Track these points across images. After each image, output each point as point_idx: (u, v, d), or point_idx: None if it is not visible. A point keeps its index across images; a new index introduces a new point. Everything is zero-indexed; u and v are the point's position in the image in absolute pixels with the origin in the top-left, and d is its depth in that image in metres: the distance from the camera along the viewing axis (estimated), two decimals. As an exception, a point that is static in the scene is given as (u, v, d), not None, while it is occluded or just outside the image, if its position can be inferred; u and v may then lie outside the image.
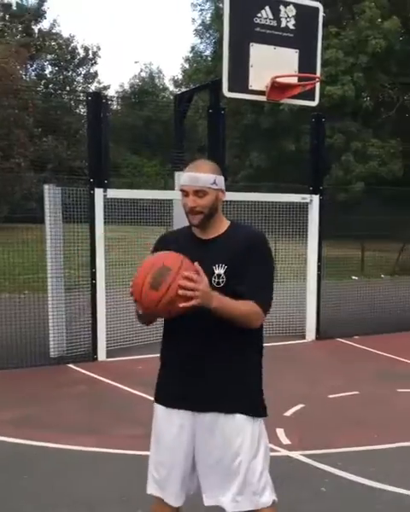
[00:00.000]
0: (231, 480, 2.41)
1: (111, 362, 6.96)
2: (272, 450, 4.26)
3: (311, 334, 8.19)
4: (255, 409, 2.47)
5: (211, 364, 2.40)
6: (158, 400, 2.54)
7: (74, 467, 4.16)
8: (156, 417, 2.54)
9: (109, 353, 7.04)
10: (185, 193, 2.42)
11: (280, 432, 4.72)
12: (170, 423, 2.47)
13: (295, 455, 4.34)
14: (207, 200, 2.40)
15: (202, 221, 2.41)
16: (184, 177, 2.43)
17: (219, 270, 2.37)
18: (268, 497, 2.48)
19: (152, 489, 2.56)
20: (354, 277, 12.01)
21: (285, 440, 4.58)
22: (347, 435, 4.75)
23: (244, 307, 2.30)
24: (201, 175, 2.39)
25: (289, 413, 5.23)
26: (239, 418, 2.40)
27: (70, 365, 6.73)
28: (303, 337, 8.18)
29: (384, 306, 9.13)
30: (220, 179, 2.44)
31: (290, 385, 6.05)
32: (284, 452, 4.37)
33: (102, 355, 6.97)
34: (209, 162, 2.51)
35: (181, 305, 2.11)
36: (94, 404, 5.54)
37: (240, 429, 2.40)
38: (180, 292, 2.11)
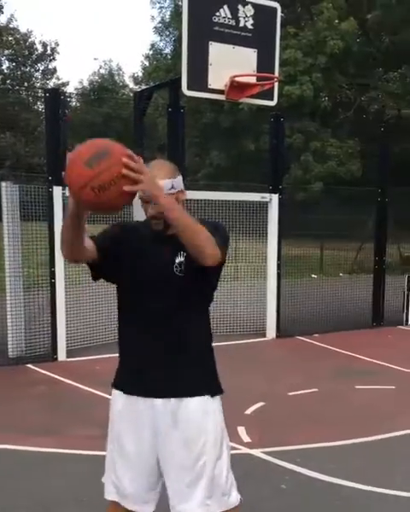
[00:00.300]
0: (198, 482, 2.37)
1: (71, 362, 6.88)
2: (233, 448, 4.28)
3: (271, 333, 8.25)
4: (216, 388, 2.48)
5: (171, 348, 2.39)
6: (117, 387, 2.51)
7: (32, 468, 4.10)
8: (115, 408, 2.50)
9: (69, 353, 6.96)
10: (145, 201, 2.35)
11: (241, 430, 4.74)
12: (130, 412, 2.44)
13: (256, 452, 4.37)
14: None
15: (164, 226, 2.38)
16: None
17: (180, 258, 2.36)
18: (235, 496, 2.49)
19: (112, 495, 2.51)
20: (313, 276, 12.15)
21: (246, 438, 4.61)
22: (306, 432, 4.80)
23: (203, 230, 2.21)
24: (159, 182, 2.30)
25: (249, 411, 5.25)
26: (201, 399, 2.40)
27: (29, 365, 6.63)
28: (264, 335, 8.23)
29: (343, 304, 9.27)
30: (178, 181, 2.38)
31: (251, 383, 6.09)
32: (244, 450, 4.39)
33: (61, 355, 6.89)
34: (164, 165, 2.41)
35: (126, 187, 1.96)
36: (53, 405, 5.47)
37: (203, 412, 2.39)
38: (124, 171, 1.95)
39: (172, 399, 2.38)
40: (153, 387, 2.40)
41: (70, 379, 6.16)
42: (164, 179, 2.31)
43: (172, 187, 2.34)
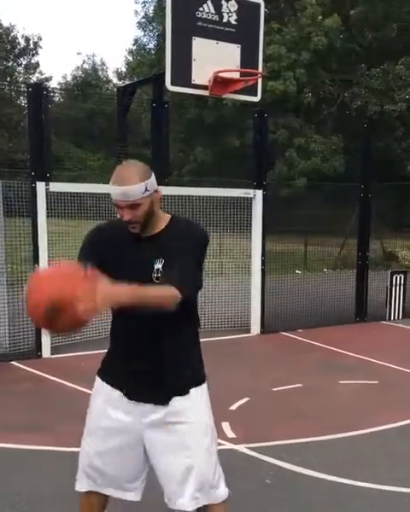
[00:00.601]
0: (188, 476, 2.40)
1: (56, 358, 6.85)
2: (218, 443, 4.30)
3: (256, 328, 8.28)
4: (200, 378, 2.51)
5: (156, 354, 2.40)
6: (105, 379, 2.51)
7: (17, 466, 4.08)
8: (99, 399, 2.51)
9: (54, 350, 6.94)
10: (119, 206, 2.33)
11: (226, 425, 4.75)
12: (117, 407, 2.45)
13: (241, 448, 4.39)
14: (142, 209, 2.32)
15: (141, 230, 2.37)
16: (113, 190, 2.31)
17: (158, 265, 2.35)
18: (223, 490, 2.53)
19: (85, 487, 2.56)
20: (297, 271, 12.19)
21: (231, 434, 4.62)
22: (290, 427, 4.83)
23: (157, 293, 2.25)
24: (130, 188, 2.27)
25: (234, 407, 5.27)
26: (187, 396, 2.42)
27: (13, 362, 6.59)
28: (248, 331, 8.26)
29: (327, 300, 9.31)
30: (151, 182, 2.33)
31: (236, 379, 6.11)
32: (229, 445, 4.41)
33: (46, 352, 6.86)
34: (134, 167, 2.34)
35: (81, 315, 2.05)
36: (37, 402, 5.44)
37: (189, 407, 2.42)
38: (79, 313, 2.03)
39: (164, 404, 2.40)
40: (140, 393, 2.41)
41: (55, 376, 6.13)
42: (137, 184, 2.28)
43: (146, 189, 2.30)
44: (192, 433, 2.41)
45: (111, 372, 2.51)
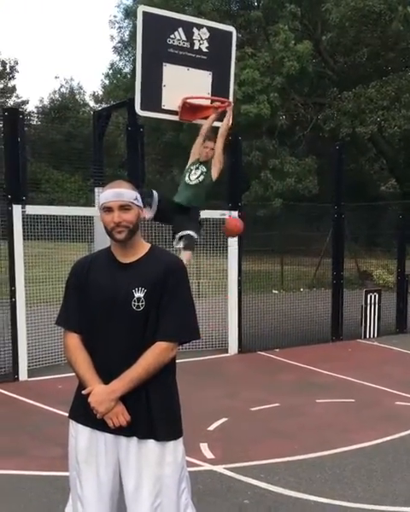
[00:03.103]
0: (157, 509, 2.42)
1: (33, 381, 6.80)
2: (196, 464, 4.31)
3: (233, 348, 8.31)
4: (177, 432, 2.50)
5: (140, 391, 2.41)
6: (79, 420, 2.50)
7: (-6, 492, 4.04)
8: (79, 444, 2.49)
9: (31, 373, 6.88)
10: (109, 209, 2.42)
11: (204, 446, 4.75)
12: (94, 448, 2.45)
13: (219, 469, 4.38)
14: (132, 214, 2.42)
15: (126, 236, 2.42)
16: (106, 194, 2.43)
17: (139, 294, 2.39)
18: None
19: None
20: (274, 291, 12.26)
21: (209, 454, 4.62)
22: (269, 447, 4.85)
23: (148, 362, 2.36)
24: (124, 190, 2.43)
25: (212, 427, 5.27)
26: (161, 443, 2.42)
27: (-12, 387, 6.53)
28: (226, 351, 8.28)
29: (303, 319, 9.38)
30: (139, 198, 2.49)
31: (213, 399, 6.11)
32: (207, 466, 4.40)
33: (23, 375, 6.80)
34: (127, 182, 2.56)
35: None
36: (14, 426, 5.38)
37: (163, 455, 2.42)
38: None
39: (134, 438, 2.41)
40: (124, 429, 2.41)
41: (32, 399, 6.08)
42: (130, 190, 2.46)
43: (136, 199, 2.46)
44: (163, 483, 2.45)
45: (84, 409, 2.49)
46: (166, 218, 5.26)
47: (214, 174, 5.28)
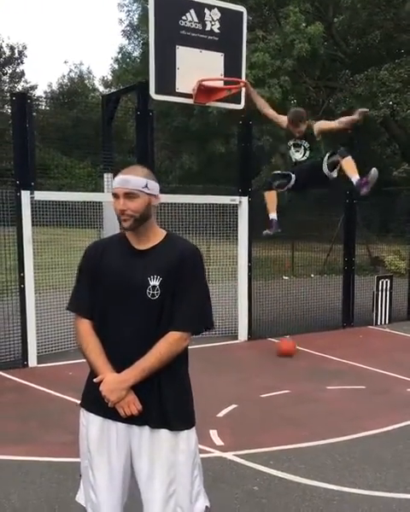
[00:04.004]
0: (170, 499, 2.40)
1: (42, 368, 6.81)
2: (206, 451, 4.30)
3: (243, 335, 8.28)
4: (191, 421, 2.48)
5: (157, 381, 2.38)
6: (91, 410, 2.48)
7: (4, 477, 4.05)
8: (91, 433, 2.47)
9: (40, 359, 6.90)
10: (116, 196, 2.38)
11: (213, 433, 4.74)
12: (107, 437, 2.43)
13: (228, 455, 4.38)
14: (138, 203, 2.36)
15: (132, 225, 2.37)
16: (115, 180, 2.41)
17: (155, 282, 2.35)
18: (202, 503, 2.50)
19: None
20: (285, 277, 12.20)
21: (218, 441, 4.61)
22: (278, 434, 4.83)
23: (161, 352, 2.33)
24: (131, 177, 2.36)
25: (221, 414, 5.26)
26: (175, 432, 2.40)
27: (-1, 373, 6.55)
28: (236, 338, 8.26)
29: (314, 306, 9.34)
30: (153, 184, 2.41)
31: (223, 386, 6.10)
32: (217, 453, 4.39)
33: (32, 361, 6.82)
34: (141, 167, 2.47)
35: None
36: (24, 412, 5.39)
37: (176, 445, 2.40)
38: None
39: (147, 427, 2.39)
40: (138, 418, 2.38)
41: (41, 385, 6.09)
42: (139, 177, 2.37)
43: (146, 186, 2.38)
44: (176, 473, 2.43)
45: (96, 399, 2.47)
46: (310, 181, 6.34)
47: (325, 126, 6.17)
